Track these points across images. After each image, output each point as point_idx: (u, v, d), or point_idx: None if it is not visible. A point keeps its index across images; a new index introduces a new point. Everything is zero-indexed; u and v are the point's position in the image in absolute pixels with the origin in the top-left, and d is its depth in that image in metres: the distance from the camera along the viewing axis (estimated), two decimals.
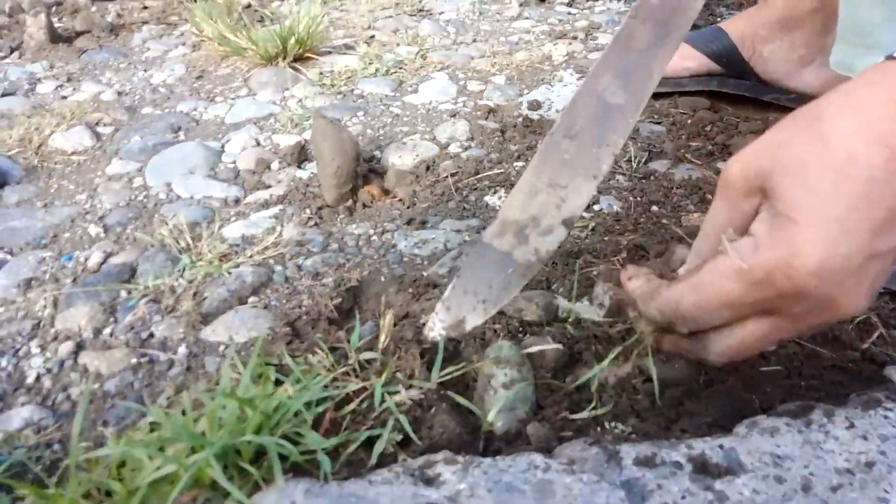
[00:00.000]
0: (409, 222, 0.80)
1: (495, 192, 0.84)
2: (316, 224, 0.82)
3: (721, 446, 0.42)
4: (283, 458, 0.44)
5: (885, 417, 0.44)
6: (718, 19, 1.44)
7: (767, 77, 0.92)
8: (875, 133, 0.34)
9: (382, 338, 0.56)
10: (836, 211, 0.35)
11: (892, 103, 0.35)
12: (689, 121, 0.94)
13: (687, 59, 0.95)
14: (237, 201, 0.89)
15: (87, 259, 0.77)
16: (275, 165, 0.96)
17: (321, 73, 1.29)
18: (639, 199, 0.79)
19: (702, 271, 0.41)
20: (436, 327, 0.50)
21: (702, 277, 0.41)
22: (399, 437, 0.47)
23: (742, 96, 0.96)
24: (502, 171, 0.89)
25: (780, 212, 0.37)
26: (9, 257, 0.79)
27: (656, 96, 1.00)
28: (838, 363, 0.51)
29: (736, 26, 0.93)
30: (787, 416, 0.45)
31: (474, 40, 1.46)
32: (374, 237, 0.78)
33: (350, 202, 0.86)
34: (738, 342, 0.42)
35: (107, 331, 0.65)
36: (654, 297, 0.44)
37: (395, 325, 0.58)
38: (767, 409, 0.47)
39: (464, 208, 0.82)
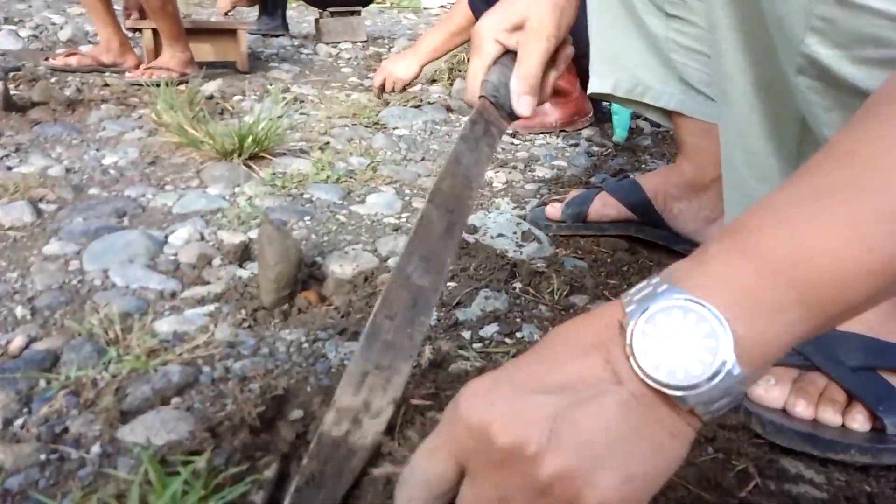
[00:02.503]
0: (341, 332, 0.83)
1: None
2: (250, 326, 0.84)
3: None
4: None
5: None
6: (643, 166, 1.60)
7: (678, 230, 1.03)
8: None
9: None
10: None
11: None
12: (609, 259, 1.03)
13: (608, 207, 1.06)
14: (173, 295, 0.90)
15: (8, 342, 0.76)
16: (216, 262, 0.99)
17: (274, 174, 1.34)
18: None
19: None
20: None
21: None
22: None
23: (657, 243, 1.06)
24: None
25: None
26: None
27: (582, 236, 1.10)
28: None
29: (651, 182, 1.04)
30: None
31: (423, 158, 1.56)
32: (306, 345, 0.80)
33: (286, 306, 0.88)
34: None
35: (18, 422, 0.64)
36: None
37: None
38: None
39: None
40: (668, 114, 1.02)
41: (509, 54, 0.68)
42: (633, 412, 0.35)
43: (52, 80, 2.10)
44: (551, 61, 0.69)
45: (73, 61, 2.27)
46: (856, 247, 0.34)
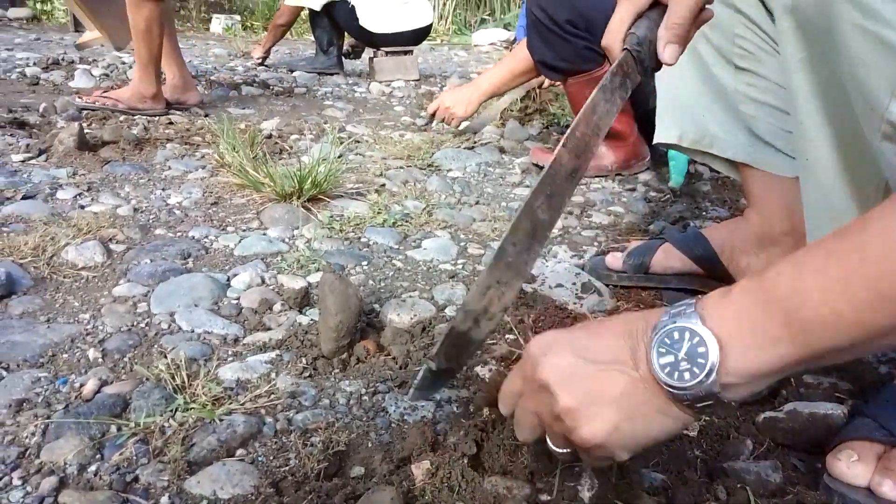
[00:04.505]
0: (400, 385, 0.82)
1: (486, 364, 0.88)
2: (310, 376, 0.84)
3: None
4: None
5: None
6: (703, 213, 1.56)
7: None
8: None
9: None
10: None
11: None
12: None
13: (672, 259, 1.04)
14: (236, 340, 0.91)
15: (81, 385, 0.78)
16: (277, 307, 1.00)
17: (332, 217, 1.36)
18: None
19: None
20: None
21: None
22: None
23: None
24: (494, 341, 0.93)
25: None
26: (4, 373, 0.80)
27: (643, 288, 1.08)
28: None
29: (717, 235, 1.02)
30: None
31: (477, 202, 1.56)
32: (366, 397, 0.80)
33: (346, 355, 0.89)
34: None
35: (92, 468, 0.66)
36: None
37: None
38: None
39: (455, 377, 0.85)
40: (735, 165, 1.00)
41: (656, 9, 0.68)
42: (637, 389, 0.49)
43: (121, 118, 2.20)
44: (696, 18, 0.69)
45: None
46: (842, 301, 0.41)
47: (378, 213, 1.40)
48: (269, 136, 2.02)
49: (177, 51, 2.45)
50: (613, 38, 0.68)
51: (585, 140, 0.62)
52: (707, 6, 0.70)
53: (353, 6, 3.42)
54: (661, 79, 1.05)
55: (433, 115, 2.09)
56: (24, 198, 1.37)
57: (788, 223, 0.95)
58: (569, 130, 0.61)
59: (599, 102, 0.62)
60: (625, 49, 0.66)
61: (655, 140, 1.04)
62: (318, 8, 3.44)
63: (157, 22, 2.21)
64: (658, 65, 0.67)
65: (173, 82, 2.43)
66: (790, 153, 0.92)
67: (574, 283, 1.08)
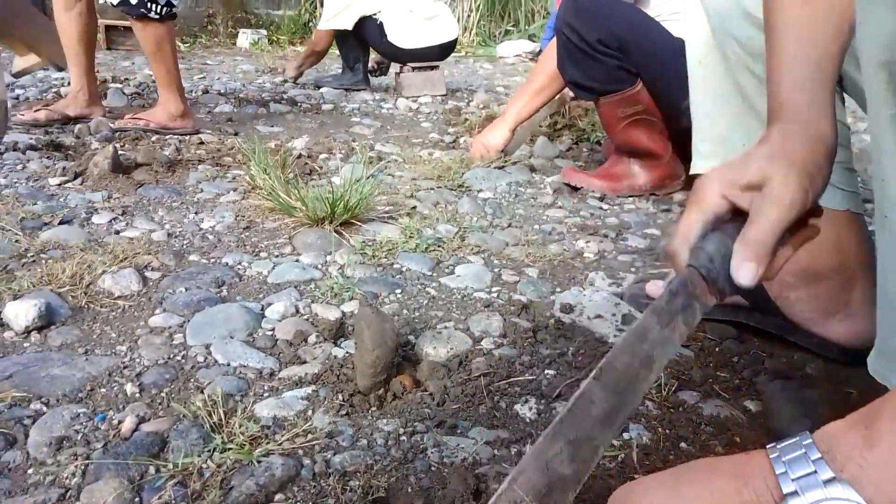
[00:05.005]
0: (439, 425, 0.81)
1: (526, 402, 0.85)
2: (347, 414, 0.83)
3: None
4: None
5: None
6: None
7: (794, 319, 0.96)
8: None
9: None
10: None
11: None
12: (717, 349, 0.98)
13: None
14: (272, 374, 0.91)
15: (119, 422, 0.78)
16: (312, 339, 0.99)
17: (364, 242, 1.35)
18: (668, 431, 0.80)
19: None
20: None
21: None
22: None
23: (769, 331, 0.99)
24: (534, 377, 0.91)
25: None
26: (44, 408, 0.80)
27: None
28: None
29: None
30: None
31: (510, 224, 1.54)
32: (404, 437, 0.79)
33: (382, 391, 0.87)
34: None
35: None
36: None
37: None
38: None
39: (494, 416, 0.83)
40: None
41: (734, 221, 0.58)
42: None
43: (153, 139, 2.22)
44: (790, 236, 0.59)
45: (41, 116, 2.29)
46: None
47: (410, 237, 1.39)
48: (300, 157, 2.03)
49: (91, 60, 2.38)
50: (679, 246, 0.59)
51: (630, 374, 0.50)
52: (812, 221, 0.60)
53: (381, 23, 3.43)
54: (697, 107, 1.02)
55: (480, 157, 2.08)
56: (61, 222, 1.39)
57: (837, 259, 0.92)
58: (605, 359, 0.50)
59: (653, 328, 0.52)
60: (690, 266, 0.56)
61: (693, 170, 1.02)
62: (350, 27, 3.46)
63: (167, 40, 2.24)
64: (735, 287, 0.56)
65: (77, 97, 2.36)
66: (842, 186, 0.89)
67: (614, 315, 1.05)
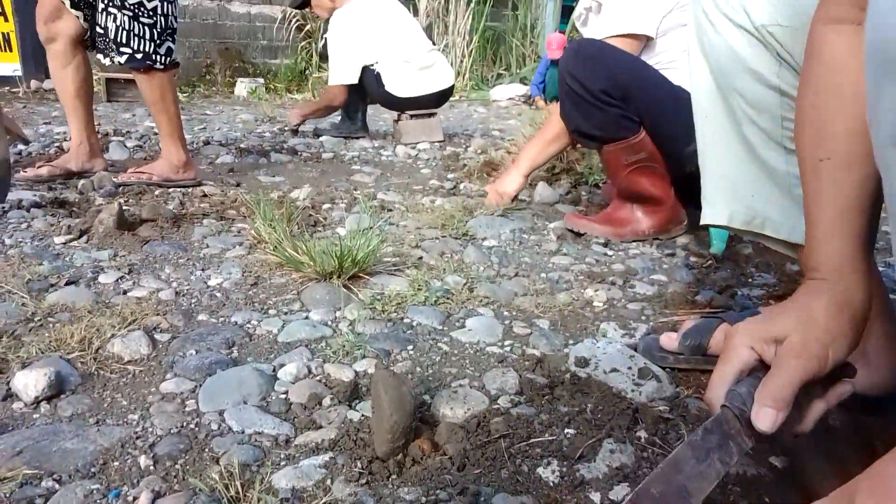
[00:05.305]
0: (461, 492, 0.79)
1: (548, 465, 0.84)
2: (367, 482, 0.81)
3: None
4: None
5: None
6: (750, 280, 1.53)
7: None
8: None
9: None
10: None
11: None
12: None
13: None
14: (288, 441, 0.89)
15: (135, 499, 0.76)
16: (326, 402, 0.98)
17: (372, 296, 1.35)
18: None
19: None
20: None
21: None
22: None
23: None
24: (554, 437, 0.89)
25: None
26: (57, 486, 0.78)
27: (702, 371, 1.04)
28: None
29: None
30: None
31: (517, 273, 1.54)
32: None
33: (401, 456, 0.86)
34: None
35: None
36: None
37: None
38: None
39: (517, 480, 0.81)
40: (791, 243, 0.97)
41: (765, 370, 0.63)
42: None
43: (157, 192, 2.23)
44: (818, 390, 0.63)
45: (43, 171, 2.30)
46: None
47: (419, 289, 1.39)
48: (304, 209, 2.04)
49: (89, 114, 2.40)
50: (715, 394, 0.64)
51: (665, 501, 0.53)
52: (845, 380, 0.65)
53: (378, 73, 3.49)
54: (705, 158, 1.03)
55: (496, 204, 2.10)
56: (67, 283, 1.38)
57: None
58: (640, 486, 0.53)
59: (688, 460, 0.56)
60: (724, 406, 0.61)
61: (703, 221, 1.02)
62: (356, 81, 3.48)
63: (169, 89, 2.27)
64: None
65: (78, 151, 2.37)
66: None
67: (630, 368, 1.04)
